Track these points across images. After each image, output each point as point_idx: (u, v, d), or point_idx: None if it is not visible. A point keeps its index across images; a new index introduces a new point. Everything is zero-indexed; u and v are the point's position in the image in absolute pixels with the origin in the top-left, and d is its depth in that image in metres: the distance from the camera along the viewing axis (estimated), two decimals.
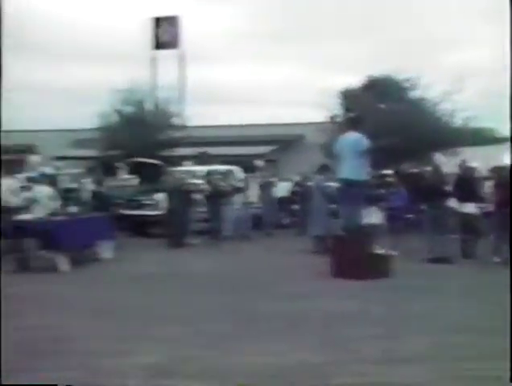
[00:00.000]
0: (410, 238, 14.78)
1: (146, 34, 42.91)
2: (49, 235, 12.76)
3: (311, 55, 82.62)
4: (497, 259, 13.09)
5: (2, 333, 7.11)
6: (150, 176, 23.83)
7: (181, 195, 17.19)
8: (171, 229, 17.06)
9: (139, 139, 29.90)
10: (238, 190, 19.19)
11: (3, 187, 15.41)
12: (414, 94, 27.38)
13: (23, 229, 12.92)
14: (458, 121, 26.44)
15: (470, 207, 14.12)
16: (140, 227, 19.64)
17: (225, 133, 36.88)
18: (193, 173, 19.87)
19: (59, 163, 29.27)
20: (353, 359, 6.39)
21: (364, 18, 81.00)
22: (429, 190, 13.93)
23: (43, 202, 13.91)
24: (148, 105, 33.15)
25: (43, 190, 14.25)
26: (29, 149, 34.87)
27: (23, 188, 15.06)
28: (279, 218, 21.21)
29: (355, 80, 29.32)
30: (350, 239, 11.75)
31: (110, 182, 21.70)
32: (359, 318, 8.32)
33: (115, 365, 6.30)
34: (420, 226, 14.61)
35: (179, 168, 21.28)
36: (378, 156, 14.32)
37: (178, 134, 31.45)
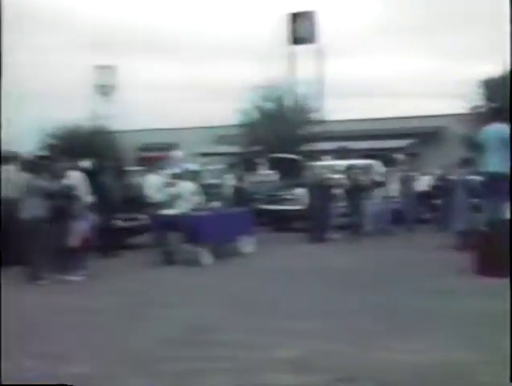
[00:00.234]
0: None
1: (283, 29, 43.25)
2: (192, 229, 13.15)
3: (447, 45, 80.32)
4: None
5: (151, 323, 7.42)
6: (289, 171, 24.02)
7: (321, 189, 17.22)
8: (312, 224, 17.15)
9: (279, 135, 30.23)
10: (378, 184, 18.99)
11: (148, 183, 16.04)
12: None
13: (168, 224, 13.39)
14: None
15: None
16: (280, 222, 19.87)
17: (365, 127, 36.61)
18: (333, 167, 19.83)
19: (202, 159, 30.09)
20: (497, 360, 6.20)
21: (498, 3, 77.74)
22: None
23: (187, 197, 14.31)
24: (287, 101, 33.42)
25: (187, 186, 14.65)
26: (172, 147, 35.99)
27: (168, 184, 15.58)
28: (419, 212, 20.81)
29: (495, 69, 28.29)
30: (495, 234, 11.35)
31: (251, 178, 22.04)
32: (504, 317, 8.04)
33: (257, 358, 6.44)
34: None
35: (318, 163, 21.32)
36: None
37: (317, 129, 31.53)
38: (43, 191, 11.41)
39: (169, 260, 13.25)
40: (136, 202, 16.03)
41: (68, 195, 11.71)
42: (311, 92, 34.83)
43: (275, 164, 26.40)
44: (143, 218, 15.51)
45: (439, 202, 19.56)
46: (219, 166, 25.40)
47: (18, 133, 44.22)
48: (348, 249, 15.58)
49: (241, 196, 17.39)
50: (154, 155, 32.49)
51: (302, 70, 41.33)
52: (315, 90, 37.22)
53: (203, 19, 78.96)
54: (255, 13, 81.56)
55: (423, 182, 21.52)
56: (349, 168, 19.05)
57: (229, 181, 19.42)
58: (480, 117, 22.45)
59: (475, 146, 13.09)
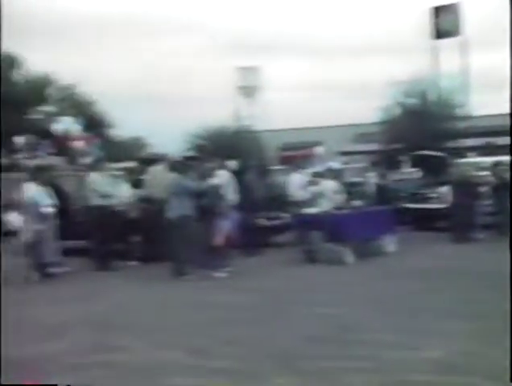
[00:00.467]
0: None
1: (426, 24, 42.39)
2: (334, 228, 13.18)
3: None
4: None
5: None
6: (433, 169, 23.50)
7: (466, 187, 16.76)
8: (456, 223, 16.73)
9: (422, 131, 29.67)
10: None
11: (291, 182, 16.21)
12: None
13: (310, 222, 13.50)
14: None
15: None
16: (424, 221, 19.49)
17: None
18: (478, 164, 19.24)
19: (344, 158, 30.04)
20: None
21: None
22: None
23: (329, 196, 14.36)
24: (431, 96, 32.75)
25: (329, 185, 14.69)
26: (313, 146, 36.15)
27: (310, 183, 15.68)
28: None
29: None
30: None
31: (394, 176, 21.78)
32: None
33: (401, 358, 6.41)
34: None
35: (463, 160, 20.77)
36: None
37: (461, 125, 30.70)
38: (190, 191, 11.82)
39: (311, 258, 13.36)
40: (279, 201, 16.26)
41: (214, 194, 12.06)
42: (456, 87, 33.93)
43: (418, 161, 25.92)
44: (286, 217, 15.71)
45: None
46: (361, 165, 25.27)
47: (166, 135, 45.88)
48: (494, 249, 15.03)
49: (383, 194, 17.22)
50: (296, 154, 32.76)
51: (445, 64, 40.40)
52: (460, 84, 36.22)
53: (343, 17, 78.71)
54: (397, 8, 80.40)
55: None
56: (496, 165, 18.40)
57: (372, 179, 19.28)
58: None
59: None
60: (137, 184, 14.29)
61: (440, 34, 41.96)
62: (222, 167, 14.02)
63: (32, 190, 12.17)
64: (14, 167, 24.45)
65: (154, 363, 6.57)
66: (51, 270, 12.36)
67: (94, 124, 36.49)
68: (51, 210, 12.25)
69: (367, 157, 30.89)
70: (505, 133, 31.94)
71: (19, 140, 26.52)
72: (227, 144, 35.09)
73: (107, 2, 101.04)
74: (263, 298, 9.84)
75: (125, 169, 16.57)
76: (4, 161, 28.05)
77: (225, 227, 12.01)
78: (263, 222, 15.34)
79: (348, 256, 13.13)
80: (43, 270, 12.03)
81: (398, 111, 32.64)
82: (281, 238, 16.12)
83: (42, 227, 12.01)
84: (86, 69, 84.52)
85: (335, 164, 22.81)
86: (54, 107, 49.70)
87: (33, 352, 7.04)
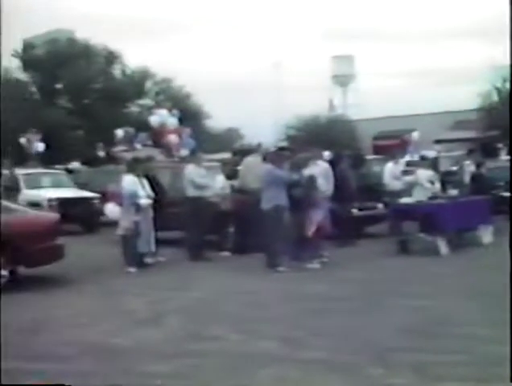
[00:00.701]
0: None
1: None
2: (429, 218, 12.99)
3: None
4: None
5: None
6: None
7: None
8: None
9: None
10: None
11: (386, 172, 16.07)
12: None
13: (404, 212, 13.36)
14: None
15: None
16: None
17: None
18: None
19: (439, 146, 29.47)
20: None
21: None
22: None
23: (424, 185, 14.16)
24: None
25: (424, 174, 14.47)
26: (408, 134, 35.59)
27: (405, 172, 15.52)
28: None
29: None
30: None
31: (491, 164, 21.23)
32: None
33: (495, 352, 6.30)
34: None
35: None
36: None
37: None
38: (284, 182, 11.88)
39: (405, 249, 13.21)
40: (373, 190, 16.16)
41: (308, 185, 12.09)
42: None
43: None
44: (380, 207, 15.59)
45: None
46: (456, 153, 24.74)
47: (260, 126, 46.14)
48: None
49: (479, 183, 16.83)
50: (390, 143, 32.35)
51: None
52: None
53: (440, 1, 77.01)
54: None
55: None
56: None
57: (468, 168, 18.87)
58: None
59: None
60: (231, 175, 14.47)
61: None
62: (319, 157, 14.06)
63: (129, 182, 12.50)
64: (112, 160, 25.13)
65: (248, 354, 6.68)
66: (147, 260, 12.70)
67: (190, 116, 37.05)
68: (147, 201, 12.56)
69: (463, 145, 30.21)
70: None
71: (118, 133, 27.23)
72: (321, 134, 35.00)
73: None
74: (356, 289, 9.83)
75: (219, 160, 16.82)
76: (102, 153, 28.85)
77: (318, 218, 12.02)
78: (357, 212, 15.27)
79: (443, 247, 12.92)
80: (138, 260, 12.36)
81: (496, 97, 31.79)
82: (375, 228, 16.01)
83: (138, 218, 12.33)
84: (182, 62, 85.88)
85: (430, 153, 22.43)
86: (151, 100, 50.80)
87: (128, 341, 7.27)
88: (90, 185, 21.17)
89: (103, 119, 42.86)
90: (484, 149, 26.17)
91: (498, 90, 31.94)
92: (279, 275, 11.28)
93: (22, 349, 7.08)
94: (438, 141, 32.96)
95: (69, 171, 25.23)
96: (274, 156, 12.71)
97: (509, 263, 9.80)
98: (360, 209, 15.45)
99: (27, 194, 19.47)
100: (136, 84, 49.05)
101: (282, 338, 7.13)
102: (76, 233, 17.48)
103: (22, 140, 28.44)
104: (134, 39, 73.07)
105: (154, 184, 13.11)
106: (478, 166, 18.26)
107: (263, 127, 41.36)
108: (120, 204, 12.57)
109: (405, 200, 13.89)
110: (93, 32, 48.49)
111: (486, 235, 14.14)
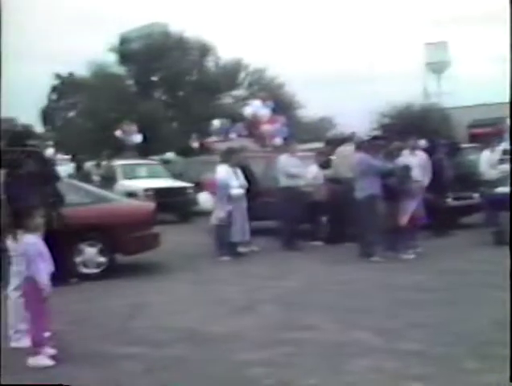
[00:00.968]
0: None
1: None
2: None
3: None
4: None
5: None
6: None
7: None
8: None
9: None
10: None
11: (482, 160, 15.65)
12: None
13: (500, 202, 12.97)
14: None
15: None
16: None
17: None
18: None
19: None
20: None
21: None
22: None
23: None
24: None
25: None
26: (505, 121, 34.56)
27: (501, 161, 15.06)
28: None
29: None
30: None
31: None
32: None
33: None
34: None
35: None
36: None
37: None
38: (378, 171, 11.76)
39: (501, 240, 12.84)
40: (469, 180, 15.77)
41: (402, 174, 11.93)
42: None
43: None
44: (475, 197, 15.23)
45: None
46: None
47: (353, 114, 45.77)
48: None
49: None
50: (486, 131, 31.49)
51: None
52: None
53: None
54: None
55: None
56: None
57: None
58: None
59: None
60: (325, 165, 14.43)
61: None
62: (415, 147, 13.88)
63: (223, 172, 12.65)
64: (205, 150, 25.48)
65: (343, 343, 6.66)
66: (241, 249, 12.83)
67: (283, 106, 37.15)
68: (240, 191, 12.68)
69: None
70: None
71: (214, 124, 27.58)
72: (415, 122, 34.40)
73: None
74: (451, 280, 9.65)
75: (313, 150, 16.78)
76: (196, 144, 29.29)
77: (412, 208, 11.85)
78: (452, 202, 14.96)
79: None
80: (232, 249, 12.50)
81: None
82: (470, 219, 15.65)
83: (232, 208, 12.46)
84: (274, 52, 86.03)
85: None
86: (244, 91, 51.15)
87: (223, 329, 7.37)
88: (185, 175, 21.58)
89: (197, 110, 43.46)
90: None
91: None
92: (373, 265, 11.19)
93: (119, 334, 7.29)
94: None
95: (164, 162, 25.75)
96: (367, 145, 12.58)
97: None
98: (455, 199, 15.13)
99: (124, 184, 19.98)
100: (229, 76, 49.51)
101: (377, 329, 7.07)
102: (171, 222, 17.85)
103: (118, 132, 29.17)
104: (227, 30, 73.70)
105: (247, 174, 13.23)
106: None
107: (356, 116, 40.98)
108: (213, 194, 12.73)
109: (501, 190, 13.50)
110: (187, 25, 49.25)
111: None
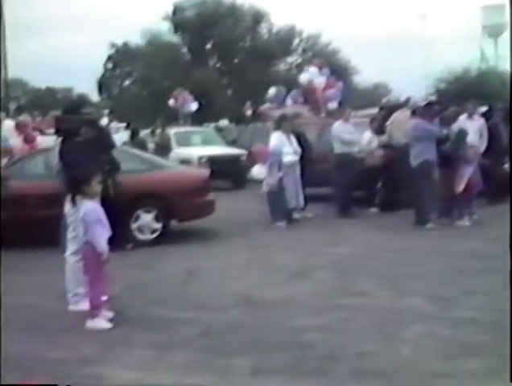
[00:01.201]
0: None
1: None
2: None
3: None
4: None
5: None
6: None
7: None
8: None
9: None
10: None
11: None
12: None
13: None
14: None
15: None
16: None
17: None
18: None
19: None
20: None
21: None
22: None
23: None
24: None
25: None
26: None
27: None
28: None
29: None
30: None
31: None
32: None
33: None
34: None
35: None
36: None
37: None
38: (434, 137, 11.59)
39: None
40: None
41: (458, 140, 11.74)
42: None
43: None
44: None
45: None
46: None
47: (408, 80, 45.11)
48: None
49: None
50: None
51: None
52: None
53: None
54: None
55: None
56: None
57: None
58: None
59: None
60: (379, 131, 14.29)
61: None
62: (472, 112, 13.65)
63: (277, 139, 12.63)
64: (259, 117, 25.45)
65: (396, 310, 6.65)
66: (295, 216, 12.84)
67: (338, 72, 36.87)
68: (292, 158, 12.66)
69: None
70: None
71: (270, 91, 27.52)
72: (472, 87, 33.74)
73: None
74: (507, 248, 9.49)
75: (367, 116, 16.62)
76: (249, 111, 29.25)
77: (468, 174, 11.67)
78: (509, 168, 14.66)
79: None
80: (286, 215, 12.51)
81: None
82: None
83: (284, 175, 12.45)
84: (328, 18, 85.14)
85: None
86: (298, 57, 50.81)
87: (278, 294, 7.42)
88: (238, 142, 21.64)
89: (251, 77, 43.40)
90: None
91: None
92: (428, 232, 11.09)
93: (175, 298, 7.40)
94: None
95: (218, 129, 25.80)
96: (423, 110, 12.39)
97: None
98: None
99: (178, 151, 20.13)
100: (283, 42, 49.23)
101: (431, 296, 7.04)
102: (225, 189, 17.95)
103: (171, 101, 29.30)
104: None
105: (301, 141, 13.19)
106: None
107: (412, 81, 40.46)
108: (264, 163, 12.74)
109: None
110: None
111: None
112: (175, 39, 49.26)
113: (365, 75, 50.71)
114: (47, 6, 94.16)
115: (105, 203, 6.80)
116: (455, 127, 12.06)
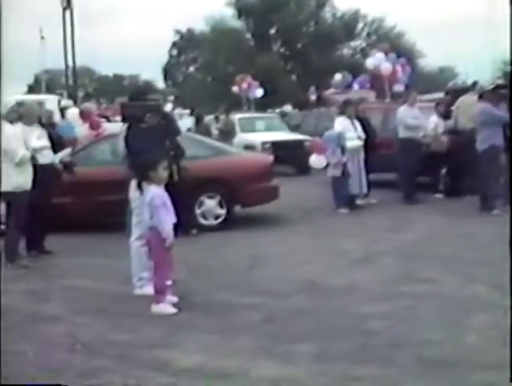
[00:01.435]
0: None
1: None
2: None
3: None
4: None
5: None
6: None
7: None
8: None
9: None
10: None
11: None
12: None
13: None
14: None
15: None
16: None
17: None
18: None
19: None
20: None
21: None
22: None
23: None
24: None
25: None
26: None
27: None
28: None
29: None
30: None
31: None
32: None
33: None
34: None
35: None
36: None
37: None
38: (501, 121, 11.35)
39: None
40: None
41: None
42: None
43: None
44: None
45: None
46: None
47: (475, 63, 44.17)
48: None
49: None
50: None
51: None
52: None
53: None
54: None
55: None
56: None
57: None
58: None
59: None
60: (445, 115, 14.05)
61: None
62: None
63: (341, 124, 12.55)
64: (323, 102, 25.34)
65: (462, 298, 6.56)
66: (359, 202, 12.77)
67: (403, 55, 36.42)
68: (358, 142, 12.57)
69: None
70: None
71: (336, 77, 27.37)
72: None
73: None
74: None
75: (433, 100, 16.37)
76: (313, 97, 29.13)
77: None
78: None
79: None
80: (350, 201, 12.44)
81: None
82: None
83: (348, 160, 12.37)
84: (392, 1, 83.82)
85: None
86: (362, 41, 50.26)
87: (342, 280, 7.39)
88: (302, 127, 21.57)
89: (315, 62, 43.18)
90: None
91: None
92: (494, 218, 10.87)
93: (239, 284, 7.45)
94: None
95: (282, 115, 25.76)
96: (490, 94, 12.12)
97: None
98: None
99: (242, 137, 20.19)
100: (347, 26, 48.78)
101: (497, 284, 6.90)
102: (288, 175, 17.94)
103: (235, 88, 29.36)
104: None
105: (366, 125, 13.08)
106: None
107: (479, 64, 39.57)
108: (321, 154, 12.72)
109: None
110: None
111: None
112: (238, 24, 49.33)
113: (431, 59, 49.77)
114: None
115: (170, 188, 6.87)
116: None
